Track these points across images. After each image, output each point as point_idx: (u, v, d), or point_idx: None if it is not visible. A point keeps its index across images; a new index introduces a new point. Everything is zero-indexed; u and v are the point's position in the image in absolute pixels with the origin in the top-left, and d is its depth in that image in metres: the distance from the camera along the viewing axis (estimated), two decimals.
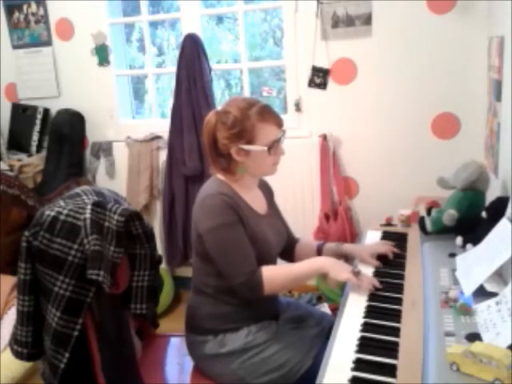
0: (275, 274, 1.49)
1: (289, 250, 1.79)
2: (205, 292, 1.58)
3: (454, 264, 1.48)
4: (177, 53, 2.90)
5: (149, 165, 3.07)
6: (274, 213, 1.75)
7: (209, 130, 1.54)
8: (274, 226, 1.66)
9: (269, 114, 1.52)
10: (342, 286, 1.48)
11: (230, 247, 1.47)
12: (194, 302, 1.64)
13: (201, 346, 1.57)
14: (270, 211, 1.69)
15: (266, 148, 1.51)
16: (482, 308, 1.19)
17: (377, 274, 1.59)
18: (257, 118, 1.49)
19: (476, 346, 1.00)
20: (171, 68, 3.18)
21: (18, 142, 3.36)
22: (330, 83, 2.73)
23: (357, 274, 1.46)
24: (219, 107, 1.57)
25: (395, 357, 1.14)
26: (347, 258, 1.76)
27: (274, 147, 1.52)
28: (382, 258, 1.69)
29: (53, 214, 1.41)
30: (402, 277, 1.55)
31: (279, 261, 1.75)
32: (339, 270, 1.46)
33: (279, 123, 1.55)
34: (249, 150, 1.51)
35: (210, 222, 1.48)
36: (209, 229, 1.48)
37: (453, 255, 1.55)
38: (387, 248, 1.71)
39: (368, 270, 1.60)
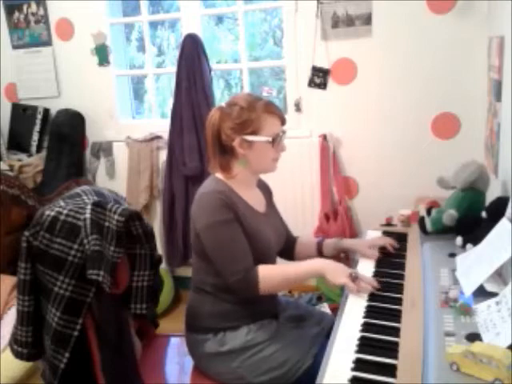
0: (272, 273, 1.49)
1: (288, 249, 1.80)
2: (204, 290, 1.58)
3: (454, 264, 1.47)
4: (177, 53, 2.90)
5: (149, 165, 3.07)
6: (273, 212, 1.75)
7: (213, 124, 1.54)
8: (272, 225, 1.67)
9: (274, 108, 1.56)
10: (342, 286, 1.48)
11: (226, 245, 1.47)
12: (193, 300, 1.64)
13: (201, 344, 1.57)
14: (268, 210, 1.69)
15: (270, 139, 1.52)
16: (482, 308, 1.19)
17: (377, 274, 1.59)
18: (262, 109, 1.52)
19: (476, 346, 0.99)
20: (171, 68, 3.18)
21: (18, 142, 3.36)
22: (330, 83, 2.72)
23: (354, 278, 1.45)
24: (223, 103, 1.58)
25: (395, 357, 1.14)
26: (347, 255, 1.77)
27: (276, 140, 1.54)
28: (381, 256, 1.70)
29: (53, 214, 1.41)
30: (401, 277, 1.55)
31: (279, 260, 1.75)
32: (336, 274, 1.46)
33: (283, 119, 1.58)
34: (252, 142, 1.52)
35: (206, 220, 1.48)
36: (204, 226, 1.49)
37: (453, 255, 1.55)
38: (386, 240, 1.73)
39: (368, 271, 1.60)
